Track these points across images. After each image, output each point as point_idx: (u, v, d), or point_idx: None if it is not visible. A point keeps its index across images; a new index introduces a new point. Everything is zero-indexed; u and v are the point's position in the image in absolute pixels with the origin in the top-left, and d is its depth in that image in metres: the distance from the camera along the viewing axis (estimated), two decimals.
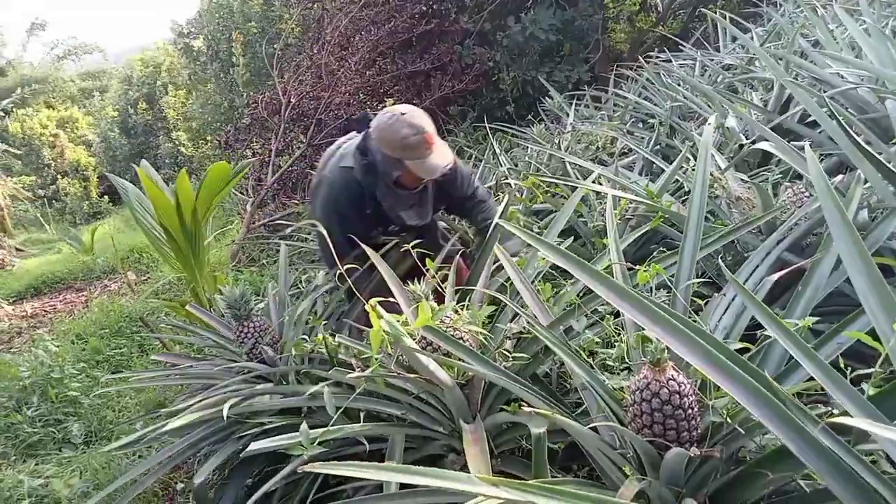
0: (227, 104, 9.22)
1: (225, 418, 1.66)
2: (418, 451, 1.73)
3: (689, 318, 1.32)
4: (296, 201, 6.20)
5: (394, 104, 7.98)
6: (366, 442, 1.65)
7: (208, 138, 10.20)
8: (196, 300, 3.35)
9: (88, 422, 3.61)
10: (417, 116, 2.24)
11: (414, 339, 1.60)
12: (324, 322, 2.04)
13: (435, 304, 1.61)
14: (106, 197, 16.65)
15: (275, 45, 6.88)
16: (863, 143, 1.58)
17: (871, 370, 0.99)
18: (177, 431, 1.95)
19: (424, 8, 6.85)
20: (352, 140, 2.58)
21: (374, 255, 2.10)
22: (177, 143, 14.66)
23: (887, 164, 1.56)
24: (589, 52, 7.19)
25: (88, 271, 8.14)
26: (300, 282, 3.52)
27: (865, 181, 1.66)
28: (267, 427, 1.82)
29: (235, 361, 2.25)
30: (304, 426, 1.36)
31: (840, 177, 1.72)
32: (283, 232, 5.49)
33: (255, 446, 1.39)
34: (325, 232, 2.19)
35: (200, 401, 1.94)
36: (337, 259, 1.94)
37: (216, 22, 9.19)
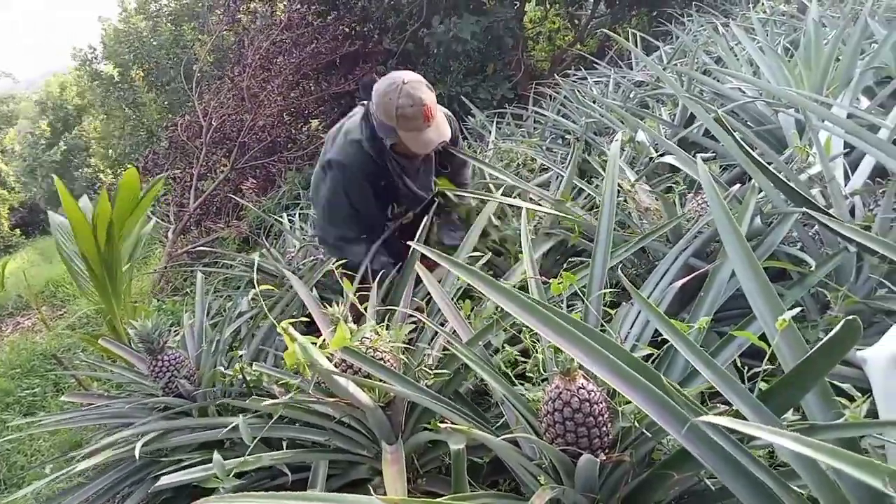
0: (145, 130, 8.94)
1: (137, 456, 1.58)
2: (343, 477, 1.70)
3: (601, 327, 1.36)
4: (221, 226, 6.05)
5: (319, 126, 7.91)
6: (288, 471, 1.61)
7: (128, 165, 9.85)
8: (113, 334, 3.20)
9: None
10: (418, 87, 2.14)
11: (334, 362, 1.58)
12: (242, 353, 1.99)
13: (354, 326, 1.59)
14: (18, 230, 15.78)
15: (193, 68, 6.74)
16: (755, 155, 1.67)
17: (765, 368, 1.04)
18: (91, 474, 1.85)
19: (347, 30, 6.86)
20: (353, 116, 2.48)
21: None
22: (95, 169, 14.09)
23: (777, 174, 1.66)
24: (511, 71, 7.37)
25: None
26: (224, 309, 3.42)
27: (760, 190, 1.75)
28: (186, 463, 1.75)
29: (153, 396, 2.15)
30: (216, 457, 1.31)
31: (737, 186, 1.81)
32: (207, 259, 5.34)
33: (165, 480, 1.33)
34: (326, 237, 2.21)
35: (114, 441, 1.85)
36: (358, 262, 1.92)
37: (125, 49, 8.93)
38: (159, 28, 8.00)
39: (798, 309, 1.01)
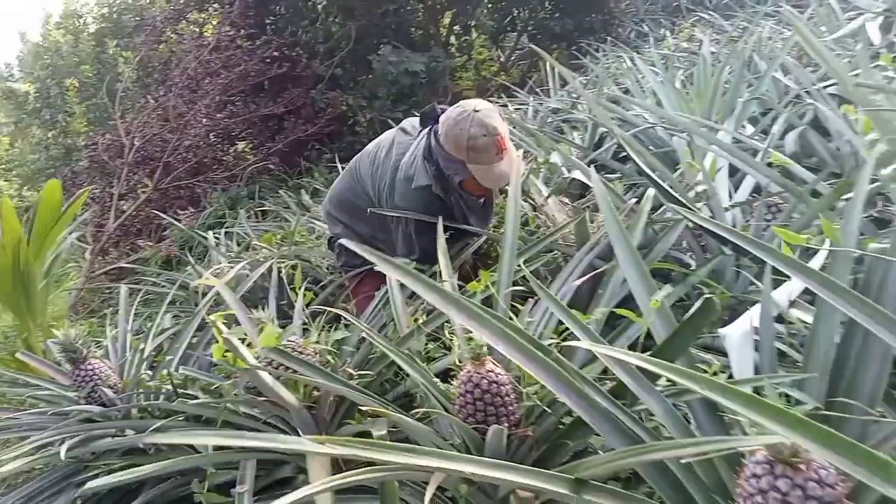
0: (63, 148, 8.64)
1: (62, 458, 1.59)
2: (269, 477, 1.75)
3: (507, 316, 1.49)
4: (142, 245, 5.91)
5: (246, 147, 7.87)
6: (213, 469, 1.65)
7: (42, 185, 9.44)
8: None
9: None
10: (491, 115, 1.96)
11: (264, 363, 1.65)
12: (169, 357, 2.02)
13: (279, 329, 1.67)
14: None
15: (116, 86, 6.62)
16: (649, 172, 1.87)
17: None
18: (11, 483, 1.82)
19: (276, 53, 6.92)
20: (405, 145, 2.27)
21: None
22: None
23: (668, 188, 1.86)
24: (440, 98, 7.60)
25: None
26: (145, 328, 3.38)
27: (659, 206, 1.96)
28: (112, 468, 1.75)
29: (77, 404, 2.14)
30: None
31: (633, 200, 2.01)
32: (127, 279, 5.21)
33: (91, 485, 1.36)
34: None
35: (33, 448, 1.83)
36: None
37: (44, 65, 8.63)
38: (81, 44, 7.79)
39: (668, 292, 1.17)
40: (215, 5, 7.46)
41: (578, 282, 1.59)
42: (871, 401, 1.01)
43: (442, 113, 2.10)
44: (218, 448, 1.60)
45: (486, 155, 1.95)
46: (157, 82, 6.96)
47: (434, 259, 1.87)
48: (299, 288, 2.06)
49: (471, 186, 2.10)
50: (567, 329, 1.30)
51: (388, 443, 0.94)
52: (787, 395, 1.00)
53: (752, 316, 1.15)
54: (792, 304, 1.25)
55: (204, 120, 6.55)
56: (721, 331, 1.16)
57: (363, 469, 1.07)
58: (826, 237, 1.13)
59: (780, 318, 1.29)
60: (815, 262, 1.27)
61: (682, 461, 0.92)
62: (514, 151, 2.03)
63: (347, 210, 2.49)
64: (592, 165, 2.26)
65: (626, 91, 3.83)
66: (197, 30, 6.99)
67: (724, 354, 1.53)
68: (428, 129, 2.15)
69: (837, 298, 0.98)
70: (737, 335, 1.13)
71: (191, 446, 1.72)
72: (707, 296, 1.01)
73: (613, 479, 1.17)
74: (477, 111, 1.95)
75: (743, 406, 0.78)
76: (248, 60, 6.74)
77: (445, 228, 1.93)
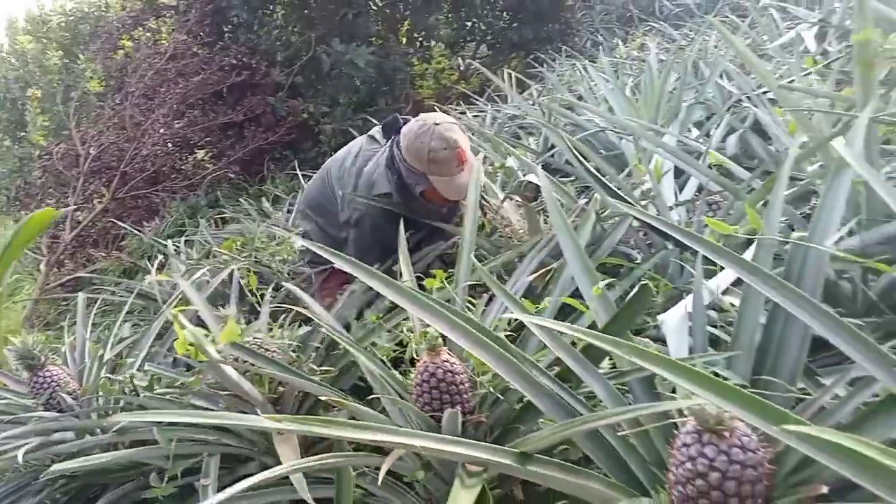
0: (17, 158, 8.41)
1: (20, 460, 1.59)
2: (232, 473, 1.78)
3: (463, 309, 1.56)
4: (100, 255, 5.82)
5: (205, 156, 7.82)
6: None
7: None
8: None
9: None
10: (450, 128, 2.02)
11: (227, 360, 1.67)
12: (130, 360, 2.02)
13: (244, 324, 1.70)
14: None
15: (71, 95, 6.51)
16: (595, 172, 1.96)
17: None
18: None
19: (234, 61, 6.89)
20: (370, 153, 2.33)
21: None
22: None
23: (615, 189, 1.96)
24: (400, 105, 7.66)
25: None
26: (103, 337, 3.34)
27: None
28: (76, 469, 1.75)
29: (33, 412, 2.12)
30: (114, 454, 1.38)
31: (584, 199, 2.10)
32: (85, 290, 5.12)
33: (56, 468, 1.38)
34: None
35: None
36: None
37: (6, 71, 8.41)
38: (48, 52, 7.60)
39: (608, 282, 1.25)
40: (171, 12, 7.39)
41: (531, 277, 1.66)
42: (792, 378, 1.10)
43: (404, 124, 2.16)
44: (177, 426, 1.61)
45: (447, 167, 2.01)
46: (112, 90, 6.86)
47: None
48: (257, 291, 2.09)
49: (433, 196, 2.15)
50: (520, 322, 1.37)
51: (341, 420, 0.99)
52: (717, 374, 1.08)
53: (686, 303, 1.24)
54: (725, 291, 1.34)
55: (161, 129, 6.48)
56: (660, 317, 1.24)
57: (324, 455, 1.12)
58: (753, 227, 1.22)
59: (717, 306, 1.38)
60: (748, 253, 1.37)
61: (620, 434, 0.99)
62: (475, 162, 2.08)
63: (321, 212, 2.55)
64: (545, 169, 2.35)
65: (580, 97, 3.96)
66: (153, 37, 6.91)
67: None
68: (390, 140, 2.21)
69: (760, 283, 1.07)
70: (673, 321, 1.21)
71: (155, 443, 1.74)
72: (643, 283, 1.09)
73: (563, 459, 1.24)
74: (437, 124, 2.00)
75: (675, 374, 0.86)
76: (206, 69, 6.70)
77: (412, 232, 1.99)
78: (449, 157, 1.99)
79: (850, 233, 1.56)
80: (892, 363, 0.90)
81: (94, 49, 7.07)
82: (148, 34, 6.89)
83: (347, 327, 1.97)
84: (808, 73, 2.44)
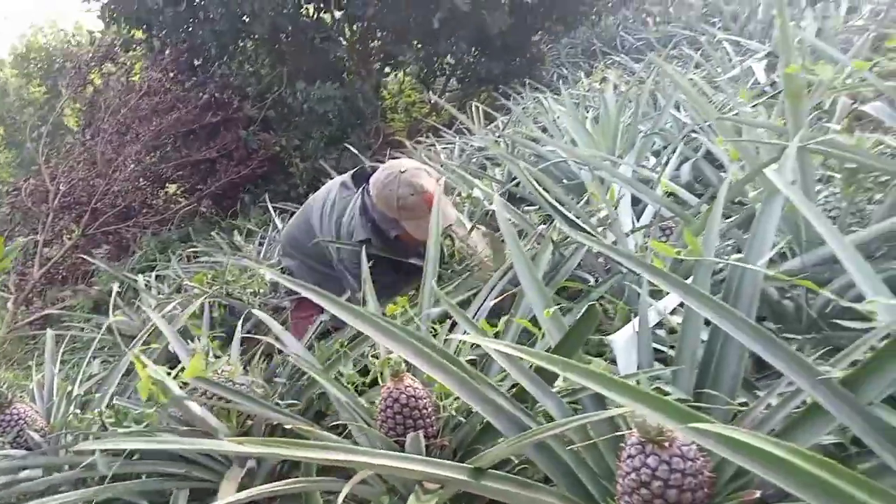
0: None
1: None
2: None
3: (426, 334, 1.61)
4: (69, 293, 5.76)
5: (177, 191, 7.79)
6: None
7: None
8: None
9: None
10: (417, 174, 2.11)
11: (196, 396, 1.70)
12: (97, 395, 2.03)
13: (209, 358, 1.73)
14: None
15: (41, 130, 6.50)
16: (552, 201, 2.05)
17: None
18: None
19: (208, 97, 6.95)
20: (345, 201, 2.40)
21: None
22: None
23: (573, 218, 2.04)
24: (371, 139, 7.77)
25: None
26: (72, 375, 3.31)
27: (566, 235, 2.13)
28: None
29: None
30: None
31: (542, 226, 2.18)
32: (54, 328, 5.06)
33: None
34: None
35: None
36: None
37: None
38: (30, 86, 7.60)
39: (561, 306, 1.32)
40: (142, 45, 7.44)
41: (492, 302, 1.72)
42: (732, 391, 1.17)
43: (372, 173, 2.26)
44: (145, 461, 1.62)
45: (417, 211, 2.10)
46: (82, 125, 6.86)
47: (390, 295, 1.99)
48: (227, 323, 2.12)
49: (407, 238, 2.24)
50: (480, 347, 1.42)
51: (302, 441, 1.03)
52: (660, 389, 1.14)
53: (635, 323, 1.31)
54: (673, 311, 1.42)
55: (133, 165, 6.48)
56: (609, 337, 1.31)
57: (289, 480, 1.16)
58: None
59: (666, 326, 1.45)
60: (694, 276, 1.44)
61: (571, 448, 1.04)
62: (446, 202, 2.18)
63: (303, 251, 2.63)
64: (512, 199, 2.44)
65: (544, 129, 4.08)
66: (125, 73, 6.95)
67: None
68: (361, 188, 2.31)
69: (697, 303, 1.14)
70: (622, 340, 1.28)
71: (125, 479, 1.75)
72: (590, 304, 1.16)
73: (523, 476, 1.29)
74: (403, 172, 2.09)
75: (611, 390, 0.92)
76: (182, 107, 6.75)
77: (397, 268, 2.14)
78: (417, 202, 2.09)
79: (793, 254, 1.66)
80: (815, 373, 0.98)
81: (62, 84, 7.08)
82: (119, 69, 6.93)
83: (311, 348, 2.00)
84: (756, 105, 2.57)
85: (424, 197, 2.09)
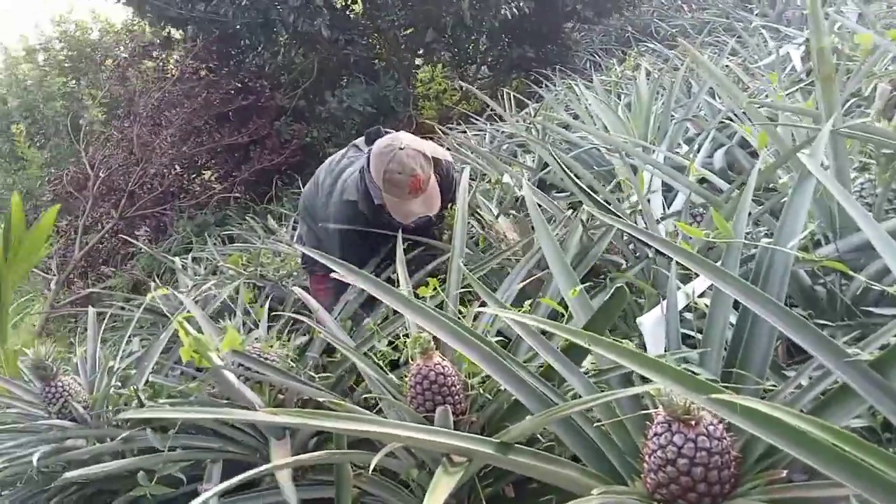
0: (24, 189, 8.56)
1: (35, 463, 1.67)
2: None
3: (455, 315, 1.63)
4: (109, 272, 5.93)
5: (212, 177, 7.91)
6: (183, 476, 1.74)
7: None
8: None
9: None
10: (414, 156, 2.07)
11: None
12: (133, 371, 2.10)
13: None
14: None
15: (80, 121, 6.67)
16: (583, 186, 2.05)
17: None
18: None
19: (239, 84, 7.04)
20: (352, 161, 2.42)
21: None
22: None
23: (603, 202, 2.04)
24: (403, 127, 7.80)
25: None
26: (111, 353, 3.42)
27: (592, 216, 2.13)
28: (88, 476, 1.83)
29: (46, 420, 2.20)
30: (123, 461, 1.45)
31: (570, 211, 2.18)
32: (95, 307, 5.22)
33: (69, 475, 1.45)
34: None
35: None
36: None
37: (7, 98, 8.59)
38: (48, 79, 7.75)
39: (587, 285, 1.33)
40: (178, 44, 7.57)
41: (521, 285, 1.74)
42: (761, 372, 1.17)
43: (385, 135, 2.25)
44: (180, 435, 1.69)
45: (399, 191, 2.08)
46: (118, 116, 7.02)
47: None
48: (256, 303, 2.18)
49: (388, 210, 2.21)
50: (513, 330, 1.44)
51: (332, 412, 1.06)
52: (688, 370, 1.15)
53: (663, 306, 1.31)
54: (702, 294, 1.42)
55: (169, 150, 6.62)
56: (639, 319, 1.31)
57: (318, 452, 1.20)
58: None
59: (695, 311, 1.45)
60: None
61: (596, 426, 1.06)
62: (434, 193, 2.16)
63: (312, 215, 2.65)
64: (542, 185, 2.45)
65: (575, 116, 4.06)
66: (161, 64, 7.09)
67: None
68: (369, 148, 2.29)
69: (727, 285, 1.14)
70: (650, 322, 1.29)
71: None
72: (618, 286, 1.17)
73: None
74: (402, 149, 2.07)
75: (640, 366, 0.93)
76: (212, 92, 6.85)
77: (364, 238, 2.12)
78: (402, 181, 2.06)
79: (826, 241, 1.64)
80: (844, 355, 0.98)
81: (102, 78, 7.24)
82: (157, 62, 7.07)
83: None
84: (791, 92, 2.53)
85: (411, 180, 2.06)
